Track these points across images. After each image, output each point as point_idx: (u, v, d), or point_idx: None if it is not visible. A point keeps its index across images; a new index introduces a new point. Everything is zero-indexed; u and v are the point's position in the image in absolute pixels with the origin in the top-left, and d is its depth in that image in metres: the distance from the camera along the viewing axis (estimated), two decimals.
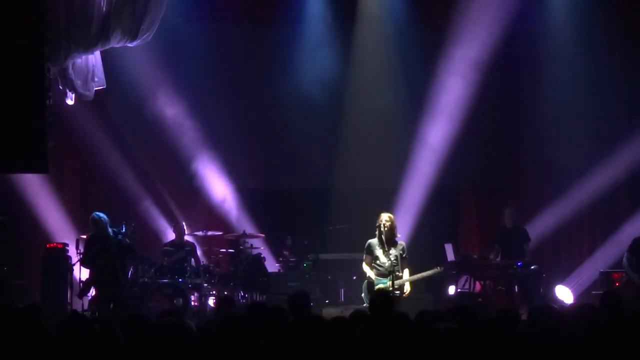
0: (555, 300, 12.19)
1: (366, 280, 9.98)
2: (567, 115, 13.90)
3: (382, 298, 6.86)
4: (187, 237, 12.84)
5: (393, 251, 9.86)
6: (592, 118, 13.79)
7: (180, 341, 4.10)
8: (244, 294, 12.67)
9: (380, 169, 14.17)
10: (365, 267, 10.02)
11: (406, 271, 9.91)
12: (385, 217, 9.99)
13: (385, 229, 9.86)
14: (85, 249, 11.34)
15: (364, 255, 10.09)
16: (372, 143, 14.14)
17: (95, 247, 11.09)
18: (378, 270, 9.91)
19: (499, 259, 12.22)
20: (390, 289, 9.51)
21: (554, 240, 13.73)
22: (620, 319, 4.99)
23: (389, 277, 9.68)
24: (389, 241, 9.90)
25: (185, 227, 12.79)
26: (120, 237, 11.08)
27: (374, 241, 9.98)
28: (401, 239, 10.23)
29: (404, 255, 9.93)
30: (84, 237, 12.09)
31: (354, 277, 12.65)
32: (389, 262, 9.76)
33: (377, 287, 9.64)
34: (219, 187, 14.06)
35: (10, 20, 8.87)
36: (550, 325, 4.90)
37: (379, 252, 9.91)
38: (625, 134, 13.54)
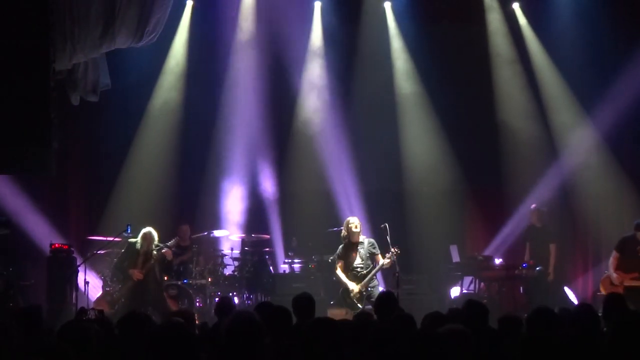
0: (563, 301, 12.15)
1: (342, 289, 10.37)
2: (569, 112, 13.89)
3: (387, 298, 6.89)
4: (192, 238, 12.85)
5: (362, 251, 10.28)
6: (594, 114, 13.76)
7: (181, 342, 4.09)
8: (249, 295, 12.67)
9: (384, 169, 14.20)
10: (340, 273, 10.40)
11: (381, 261, 10.23)
12: (355, 221, 10.43)
13: (355, 231, 10.33)
14: (122, 257, 11.39)
15: (337, 261, 10.48)
16: (378, 144, 14.17)
17: (131, 260, 11.23)
18: (353, 273, 10.31)
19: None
20: (363, 290, 10.13)
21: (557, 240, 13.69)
22: (623, 320, 4.96)
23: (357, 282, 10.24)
24: (357, 243, 10.34)
25: (189, 229, 12.80)
26: (164, 249, 11.29)
27: (343, 246, 10.46)
28: (365, 238, 10.54)
29: (374, 251, 10.33)
30: (91, 238, 12.16)
31: None
32: (361, 262, 10.28)
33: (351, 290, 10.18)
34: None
35: (16, 22, 8.87)
36: (548, 327, 4.89)
37: (351, 255, 10.36)
38: (629, 128, 13.56)
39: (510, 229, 13.82)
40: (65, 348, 4.02)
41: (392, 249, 10.11)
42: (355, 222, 10.40)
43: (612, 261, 10.99)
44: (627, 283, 10.57)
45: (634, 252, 10.83)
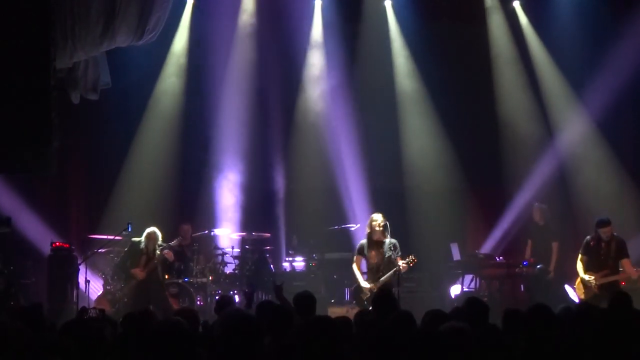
0: (563, 299, 12.13)
1: (355, 285, 10.29)
2: (570, 111, 13.90)
3: (385, 297, 6.87)
4: (192, 237, 12.85)
5: (382, 251, 10.15)
6: (596, 113, 13.76)
7: (180, 341, 4.10)
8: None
9: (387, 168, 14.20)
10: (356, 270, 10.31)
11: (399, 263, 10.07)
12: (379, 219, 10.22)
13: (377, 229, 10.16)
14: (125, 256, 11.38)
15: (355, 256, 10.43)
16: (380, 143, 14.18)
17: (134, 260, 11.24)
18: (370, 271, 10.24)
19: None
20: (374, 289, 9.90)
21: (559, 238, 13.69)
22: (628, 318, 4.98)
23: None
24: (379, 242, 10.15)
25: (191, 228, 12.79)
26: (165, 250, 11.27)
27: (365, 242, 10.32)
28: (390, 238, 10.33)
29: (395, 254, 10.13)
30: (92, 236, 12.15)
31: None
32: (378, 261, 10.14)
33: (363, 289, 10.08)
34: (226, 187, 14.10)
35: (16, 21, 8.86)
36: (547, 324, 4.89)
37: (371, 253, 10.22)
38: (630, 128, 13.54)
39: (506, 225, 13.84)
40: (68, 345, 4.03)
41: (410, 256, 10.05)
42: (378, 220, 10.20)
43: (580, 265, 10.87)
44: (601, 282, 10.51)
45: (599, 250, 10.73)
